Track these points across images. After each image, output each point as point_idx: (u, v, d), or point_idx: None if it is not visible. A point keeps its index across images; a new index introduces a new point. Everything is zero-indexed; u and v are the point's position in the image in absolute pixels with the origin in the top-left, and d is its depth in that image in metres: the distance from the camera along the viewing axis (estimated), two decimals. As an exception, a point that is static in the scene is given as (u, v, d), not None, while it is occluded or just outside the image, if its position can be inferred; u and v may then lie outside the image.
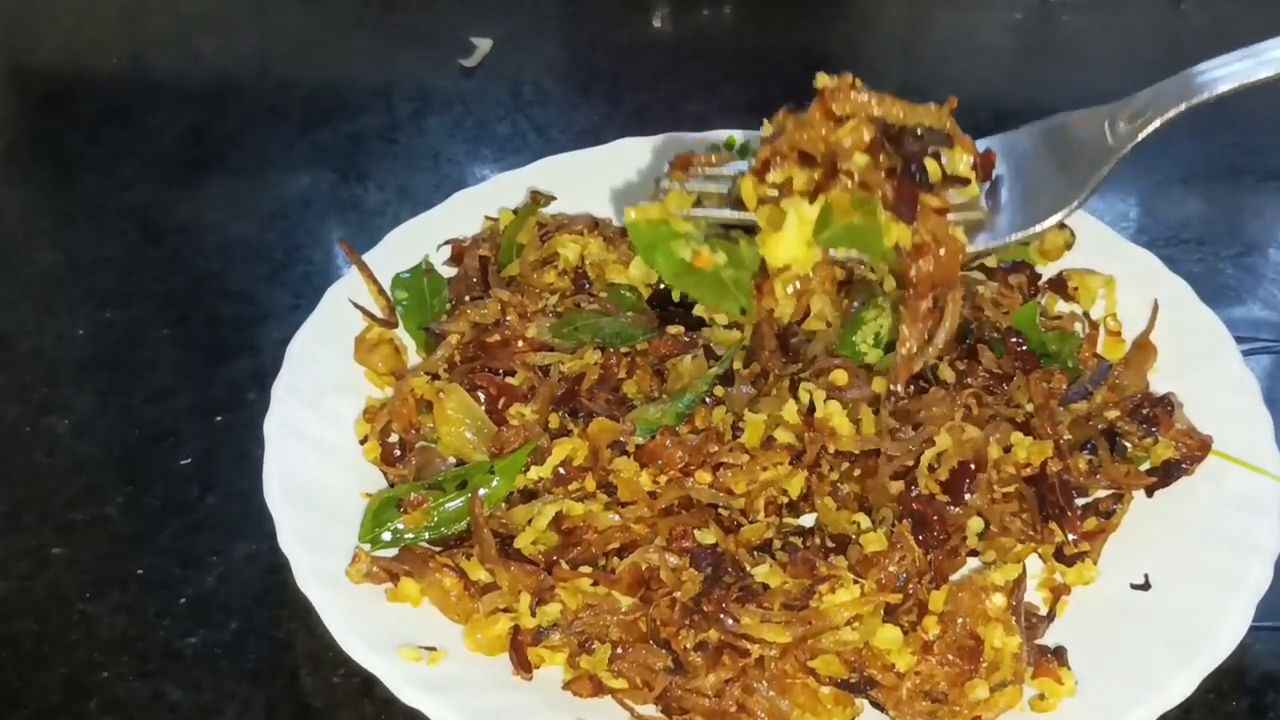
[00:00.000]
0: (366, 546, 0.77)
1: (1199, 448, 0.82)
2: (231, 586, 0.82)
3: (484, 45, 1.38)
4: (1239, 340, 0.89)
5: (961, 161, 0.77)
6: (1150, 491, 0.82)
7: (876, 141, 0.74)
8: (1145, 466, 0.83)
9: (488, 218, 1.00)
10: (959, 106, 1.31)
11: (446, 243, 0.98)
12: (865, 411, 0.79)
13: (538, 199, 1.00)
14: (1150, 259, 0.94)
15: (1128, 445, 0.83)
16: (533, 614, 0.72)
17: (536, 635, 0.72)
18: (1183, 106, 0.76)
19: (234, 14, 1.47)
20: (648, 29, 1.45)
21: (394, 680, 0.70)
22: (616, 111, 1.29)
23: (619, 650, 0.71)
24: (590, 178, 1.04)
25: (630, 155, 1.06)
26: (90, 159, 1.23)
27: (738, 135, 1.07)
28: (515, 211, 0.99)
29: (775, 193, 0.77)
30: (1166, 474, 0.82)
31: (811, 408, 0.78)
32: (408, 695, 0.69)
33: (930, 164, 0.75)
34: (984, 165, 0.78)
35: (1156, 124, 0.76)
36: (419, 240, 0.98)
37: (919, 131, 0.77)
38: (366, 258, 0.95)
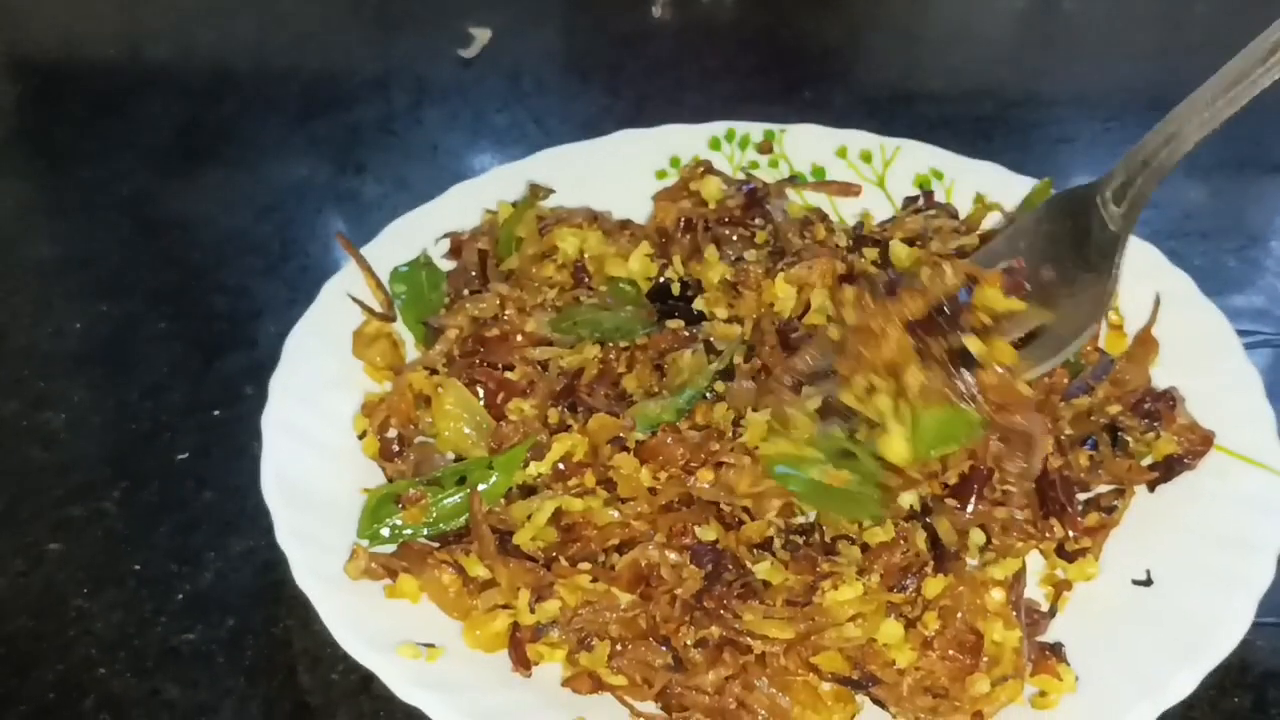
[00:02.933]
0: (365, 543, 0.76)
1: (1201, 442, 0.82)
2: (229, 583, 0.81)
3: (483, 35, 1.37)
4: (1241, 334, 0.89)
5: (995, 298, 0.75)
6: (1152, 487, 0.81)
7: (921, 343, 0.74)
8: (1147, 461, 0.82)
9: (487, 210, 0.99)
10: (959, 96, 1.31)
11: (445, 236, 0.98)
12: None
13: (537, 192, 0.99)
14: (1152, 252, 0.94)
15: (1129, 440, 0.83)
16: (532, 611, 0.72)
17: (535, 632, 0.72)
18: (1165, 173, 0.75)
19: (230, 3, 1.46)
20: (648, 17, 1.44)
21: (392, 678, 0.69)
22: (616, 102, 1.28)
23: (618, 647, 0.70)
24: (590, 170, 1.03)
25: (631, 147, 1.05)
26: (85, 151, 1.22)
27: (738, 127, 1.07)
28: (514, 204, 0.98)
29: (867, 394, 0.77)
30: (1168, 469, 0.81)
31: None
32: (406, 693, 0.69)
33: (972, 343, 0.73)
34: (1015, 285, 0.75)
35: (1147, 198, 0.76)
36: (417, 233, 0.97)
37: (946, 307, 0.75)
38: (364, 251, 0.94)
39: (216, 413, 0.93)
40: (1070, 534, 0.77)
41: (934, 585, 0.70)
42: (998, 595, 0.70)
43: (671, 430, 0.77)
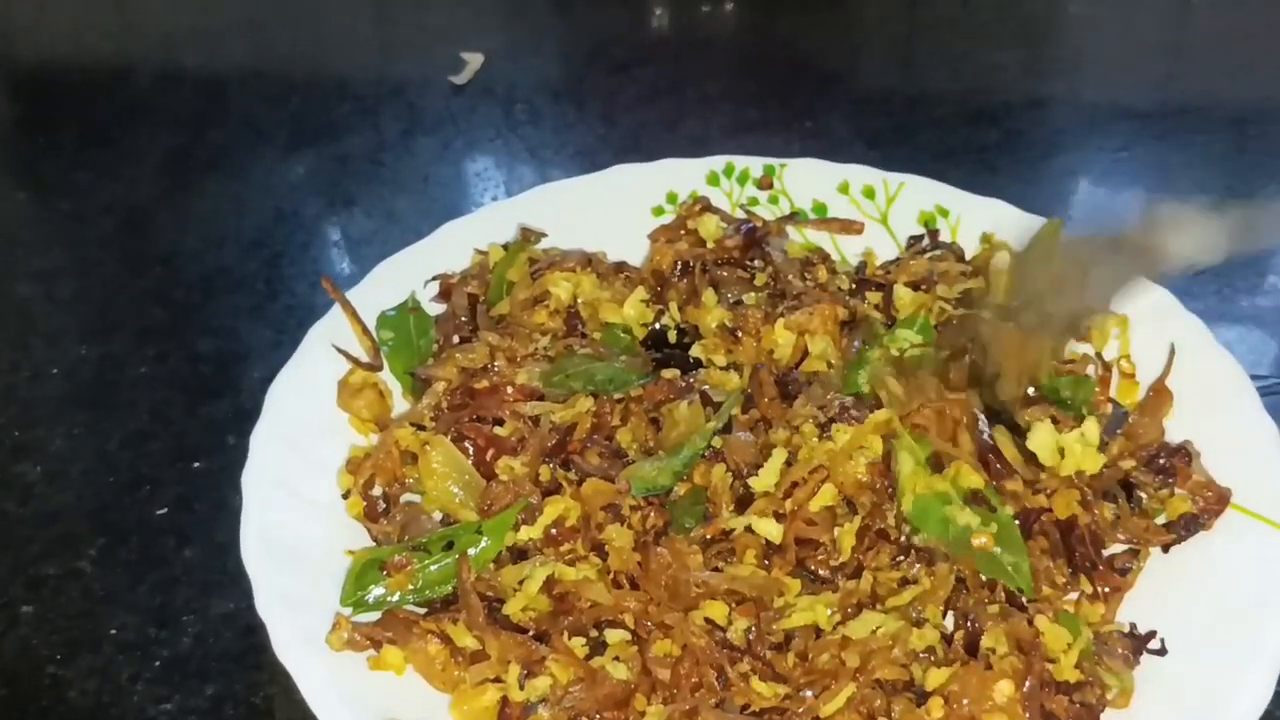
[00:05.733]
0: (348, 611, 0.73)
1: (1217, 501, 0.79)
2: (208, 648, 0.78)
3: (475, 60, 1.34)
4: (1255, 379, 0.86)
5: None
6: (1166, 548, 0.78)
7: None
8: (1161, 520, 0.79)
9: (477, 251, 0.97)
10: (964, 124, 1.27)
11: (434, 278, 0.95)
12: None
13: (528, 236, 0.96)
14: (1165, 296, 0.90)
15: (1144, 497, 0.80)
16: (521, 687, 0.69)
17: (525, 709, 0.69)
18: None
19: (219, 32, 1.43)
20: (645, 43, 1.41)
21: (377, 757, 0.66)
22: (612, 130, 1.25)
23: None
24: (585, 207, 1.00)
25: (627, 183, 1.03)
26: (69, 184, 1.19)
27: (737, 162, 1.04)
28: (505, 247, 0.95)
29: None
30: (1184, 528, 0.78)
31: None
32: (391, 771, 0.66)
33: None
34: None
35: None
36: (406, 274, 0.94)
37: None
38: (351, 294, 0.91)
39: (198, 464, 0.90)
40: (1099, 589, 0.74)
41: (937, 676, 0.67)
42: (1006, 688, 0.66)
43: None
